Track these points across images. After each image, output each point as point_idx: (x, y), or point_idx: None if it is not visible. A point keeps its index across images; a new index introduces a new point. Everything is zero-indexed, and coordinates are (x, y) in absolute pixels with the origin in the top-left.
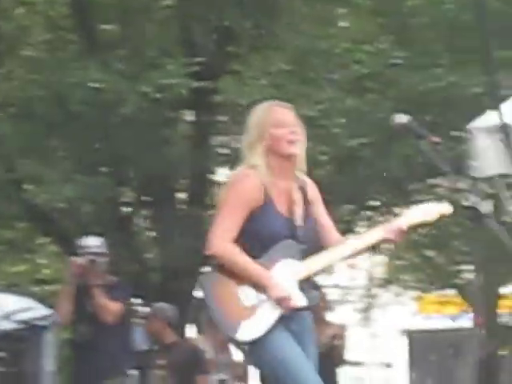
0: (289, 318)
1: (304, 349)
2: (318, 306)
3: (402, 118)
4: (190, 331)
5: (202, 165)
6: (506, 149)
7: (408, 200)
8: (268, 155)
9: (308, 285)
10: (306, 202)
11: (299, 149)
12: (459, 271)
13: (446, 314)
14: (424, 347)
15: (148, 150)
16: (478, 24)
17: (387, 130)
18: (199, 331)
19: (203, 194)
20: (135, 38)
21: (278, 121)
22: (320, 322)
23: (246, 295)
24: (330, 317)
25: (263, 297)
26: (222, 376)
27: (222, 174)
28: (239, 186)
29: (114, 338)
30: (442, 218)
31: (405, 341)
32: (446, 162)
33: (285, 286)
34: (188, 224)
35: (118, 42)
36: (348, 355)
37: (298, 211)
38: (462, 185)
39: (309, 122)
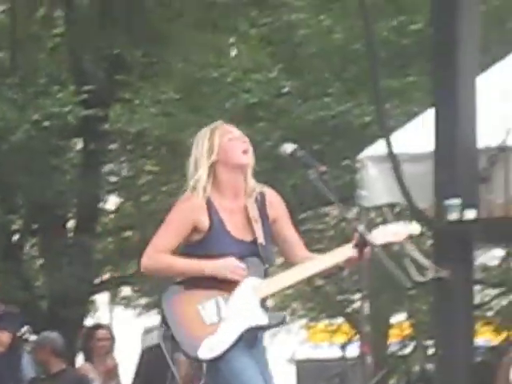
0: (248, 339)
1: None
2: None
3: (289, 148)
4: (80, 359)
5: (91, 193)
6: (395, 178)
7: (297, 229)
8: (217, 170)
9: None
10: (264, 217)
11: (251, 159)
12: (348, 300)
13: (335, 343)
14: (312, 376)
15: (37, 177)
16: (367, 53)
17: (276, 158)
18: (87, 359)
19: (92, 222)
20: (26, 65)
21: (228, 132)
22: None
23: (207, 313)
24: None
25: (224, 314)
26: None
27: (110, 201)
28: (178, 207)
29: (2, 366)
30: (410, 238)
31: (293, 369)
32: (334, 191)
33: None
34: (76, 252)
35: (9, 70)
36: None
37: (257, 229)
38: (350, 214)
39: None
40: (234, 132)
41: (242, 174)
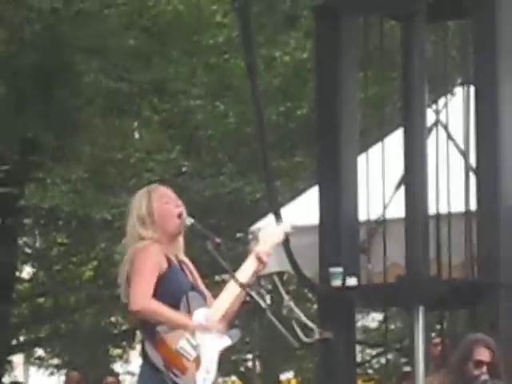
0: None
1: None
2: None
3: (188, 221)
4: None
5: (8, 263)
6: (284, 249)
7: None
8: (158, 231)
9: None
10: (190, 271)
11: (184, 222)
12: (241, 359)
13: None
14: None
15: None
16: (258, 136)
17: None
18: None
19: (9, 290)
20: None
21: (164, 196)
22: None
23: (186, 351)
24: None
25: (197, 347)
26: None
27: (25, 271)
28: (145, 253)
29: None
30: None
31: None
32: (228, 261)
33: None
34: None
35: None
36: None
37: (191, 274)
38: (243, 282)
39: (105, 225)
40: (169, 194)
41: (177, 236)
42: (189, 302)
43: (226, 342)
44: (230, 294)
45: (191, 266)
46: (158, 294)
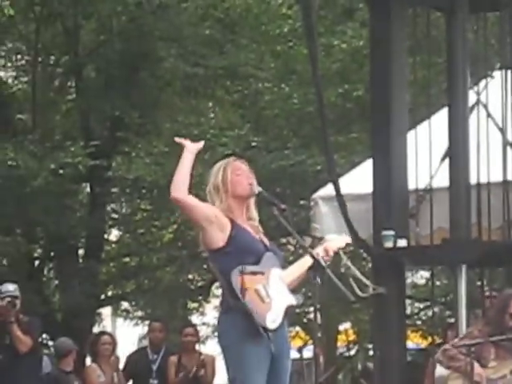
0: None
1: (279, 366)
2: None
3: (257, 189)
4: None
5: (97, 227)
6: (342, 214)
7: None
8: (229, 199)
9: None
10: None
11: (254, 190)
12: (304, 312)
13: (294, 347)
14: None
15: (54, 215)
16: (319, 115)
17: None
18: (94, 360)
19: (98, 251)
20: (44, 125)
21: (237, 169)
22: (192, 352)
23: (262, 294)
24: (200, 348)
25: (271, 295)
26: None
27: (113, 234)
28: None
29: (27, 364)
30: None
31: None
32: (292, 225)
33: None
34: (85, 274)
35: (31, 129)
36: (217, 380)
37: (261, 238)
38: (306, 243)
39: None
40: (242, 167)
41: (248, 204)
42: (266, 260)
43: (292, 300)
44: (302, 264)
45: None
46: (237, 252)
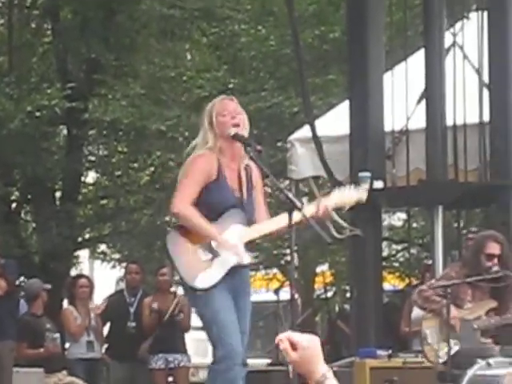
0: (231, 275)
1: (239, 300)
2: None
3: (233, 130)
4: (65, 303)
5: (74, 169)
6: (318, 156)
7: None
8: (218, 140)
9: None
10: (250, 182)
11: (241, 130)
12: (281, 254)
13: (271, 289)
14: (253, 315)
15: (30, 157)
16: (296, 56)
17: None
18: (71, 303)
19: (75, 193)
20: (21, 67)
21: (223, 109)
22: (167, 292)
23: (203, 251)
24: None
25: (216, 253)
26: (90, 338)
27: (90, 176)
28: (197, 161)
29: (2, 307)
30: (358, 203)
31: None
32: (269, 167)
33: (233, 241)
34: (63, 217)
35: (7, 71)
36: (193, 322)
37: (244, 188)
38: (282, 185)
39: (160, 135)
40: (228, 108)
41: (237, 143)
42: (228, 217)
43: (245, 260)
44: (277, 222)
45: (254, 173)
46: (200, 203)
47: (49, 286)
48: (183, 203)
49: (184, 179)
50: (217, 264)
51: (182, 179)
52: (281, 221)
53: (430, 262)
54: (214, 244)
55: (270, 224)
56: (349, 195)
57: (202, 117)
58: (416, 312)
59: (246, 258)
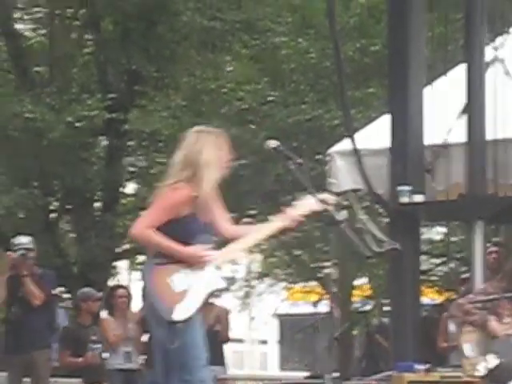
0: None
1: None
2: None
3: (273, 143)
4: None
5: (114, 180)
6: (358, 169)
7: (279, 210)
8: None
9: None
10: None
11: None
12: (320, 267)
13: (309, 301)
14: (291, 327)
15: (70, 167)
16: (336, 69)
17: (262, 153)
18: (110, 313)
19: (115, 203)
20: (61, 77)
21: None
22: (207, 305)
23: (176, 283)
24: (215, 302)
25: (190, 282)
26: (128, 349)
27: (129, 187)
28: (174, 195)
29: (40, 317)
30: (325, 209)
31: (276, 322)
32: (309, 180)
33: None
34: (102, 227)
35: (48, 81)
36: (231, 334)
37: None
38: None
39: None
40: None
41: None
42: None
43: (220, 284)
44: (241, 245)
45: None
46: (169, 233)
47: (99, 295)
48: (144, 226)
49: (156, 206)
50: (191, 294)
51: (155, 204)
52: (258, 236)
53: (466, 275)
54: (187, 273)
55: (240, 242)
56: (311, 204)
57: (204, 150)
58: (453, 327)
59: (221, 283)
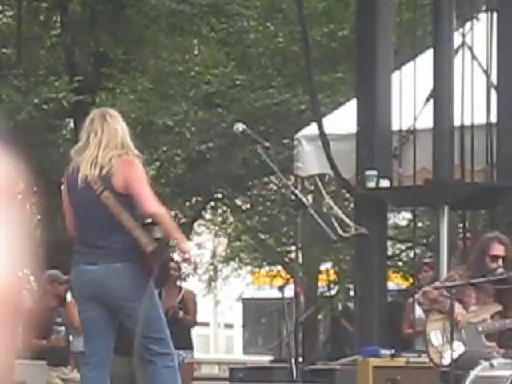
0: None
1: None
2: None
3: (240, 127)
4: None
5: None
6: (325, 154)
7: (246, 193)
8: None
9: None
10: None
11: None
12: (285, 251)
13: (274, 286)
14: (255, 312)
15: (37, 149)
16: (304, 53)
17: (230, 137)
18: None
19: None
20: (29, 59)
21: None
22: (173, 286)
23: None
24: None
25: None
26: None
27: None
28: (140, 167)
29: None
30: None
31: (240, 306)
32: (276, 163)
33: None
34: None
35: (15, 63)
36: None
37: None
38: (288, 182)
39: (167, 130)
40: None
41: None
42: None
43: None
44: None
45: None
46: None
47: (66, 278)
48: (158, 203)
49: (145, 181)
50: None
51: (143, 180)
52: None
53: (427, 260)
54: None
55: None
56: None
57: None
58: (418, 312)
59: None
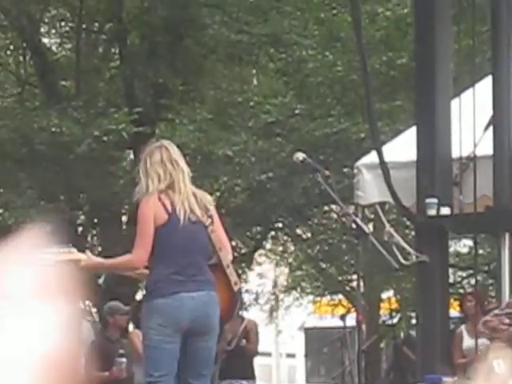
0: None
1: None
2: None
3: (300, 156)
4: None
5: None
6: (385, 182)
7: (306, 222)
8: None
9: None
10: None
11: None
12: (347, 280)
13: (336, 314)
14: (317, 340)
15: (97, 181)
16: (363, 82)
17: (289, 166)
18: (136, 327)
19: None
20: (88, 91)
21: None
22: (236, 317)
23: None
24: (244, 315)
25: None
26: None
27: None
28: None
29: None
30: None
31: (302, 335)
32: (336, 192)
33: None
34: (129, 241)
35: (74, 95)
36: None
37: None
38: (349, 210)
39: (227, 160)
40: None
41: None
42: None
43: None
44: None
45: None
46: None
47: (127, 309)
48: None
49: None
50: None
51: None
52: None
53: (470, 290)
54: None
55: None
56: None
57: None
58: (467, 342)
59: None
